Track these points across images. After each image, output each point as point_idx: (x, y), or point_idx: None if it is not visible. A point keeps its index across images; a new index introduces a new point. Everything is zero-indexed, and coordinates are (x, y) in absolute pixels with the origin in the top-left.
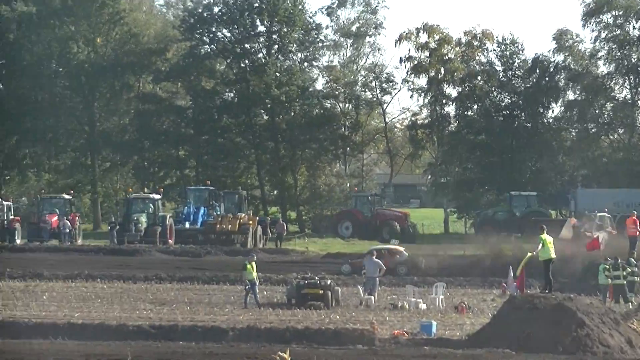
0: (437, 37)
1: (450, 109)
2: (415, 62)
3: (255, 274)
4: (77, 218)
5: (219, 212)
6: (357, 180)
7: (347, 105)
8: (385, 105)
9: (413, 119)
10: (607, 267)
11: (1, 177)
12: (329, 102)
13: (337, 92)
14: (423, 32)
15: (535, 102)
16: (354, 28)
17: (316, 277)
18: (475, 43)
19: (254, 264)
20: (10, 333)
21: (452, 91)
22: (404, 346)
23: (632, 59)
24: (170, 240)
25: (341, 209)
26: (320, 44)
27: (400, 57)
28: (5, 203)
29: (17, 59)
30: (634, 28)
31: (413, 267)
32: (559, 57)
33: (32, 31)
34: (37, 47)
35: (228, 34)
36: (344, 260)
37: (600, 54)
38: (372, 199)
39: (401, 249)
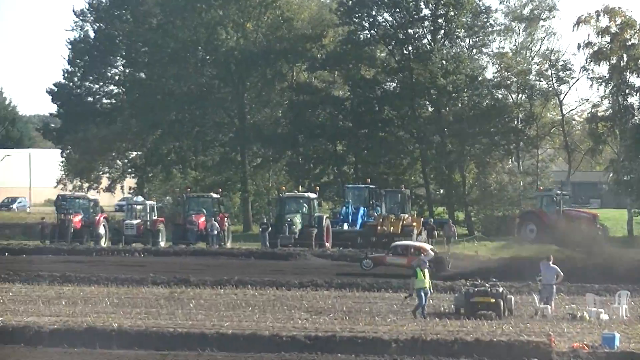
0: (619, 21)
1: (635, 100)
2: (595, 49)
3: (427, 282)
4: (226, 219)
5: (380, 213)
6: (531, 178)
7: (520, 95)
8: (562, 96)
9: (593, 110)
10: None
11: (144, 174)
12: (500, 92)
13: (509, 82)
14: (603, 15)
15: None
16: (526, 11)
17: (487, 284)
18: None
19: (426, 270)
20: (154, 343)
21: (636, 80)
22: None
23: None
24: (327, 243)
25: (522, 209)
26: (490, 29)
27: (578, 43)
28: (148, 202)
29: (161, 46)
30: None
31: (438, 266)
32: None
33: (177, 16)
34: (182, 33)
35: (390, 18)
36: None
37: None
38: (557, 199)
39: (428, 247)
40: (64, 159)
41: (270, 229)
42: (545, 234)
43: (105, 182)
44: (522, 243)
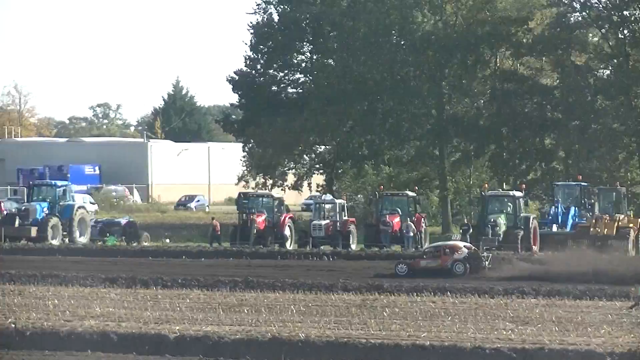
0: None
1: None
2: None
3: None
4: (423, 219)
5: (593, 213)
6: None
7: None
8: None
9: None
10: None
11: (333, 170)
12: None
13: None
14: None
15: None
16: None
17: None
18: None
19: None
20: (345, 355)
21: None
22: None
23: None
24: (534, 246)
25: None
26: None
27: None
28: (337, 201)
29: (351, 31)
30: None
31: (474, 265)
32: None
33: None
34: (374, 16)
35: None
36: None
37: None
38: None
39: (461, 245)
40: (245, 153)
41: (471, 230)
42: None
43: (291, 178)
44: None
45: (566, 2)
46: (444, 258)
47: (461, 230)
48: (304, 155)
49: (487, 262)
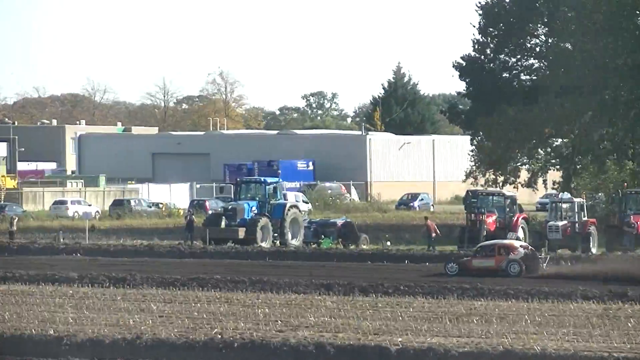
0: None
1: None
2: None
3: None
4: None
5: None
6: None
7: None
8: None
9: None
10: None
11: (571, 166)
12: None
13: None
14: None
15: None
16: None
17: None
18: None
19: None
20: None
21: None
22: None
23: None
24: None
25: None
26: None
27: None
28: (576, 200)
29: (591, 11)
30: None
31: (530, 266)
32: None
33: None
34: None
35: None
36: None
37: None
38: None
39: (517, 244)
40: (474, 147)
41: None
42: None
43: (524, 175)
44: None
45: None
46: (499, 258)
47: None
48: (539, 149)
49: (544, 265)
